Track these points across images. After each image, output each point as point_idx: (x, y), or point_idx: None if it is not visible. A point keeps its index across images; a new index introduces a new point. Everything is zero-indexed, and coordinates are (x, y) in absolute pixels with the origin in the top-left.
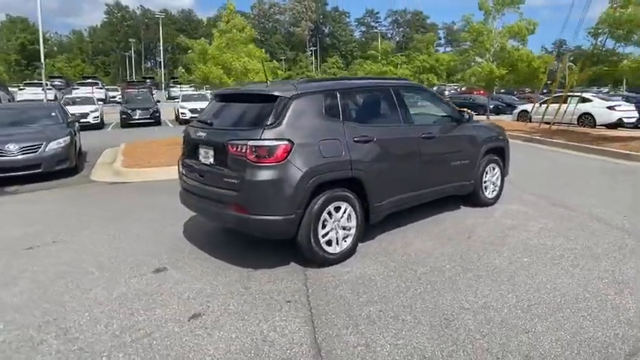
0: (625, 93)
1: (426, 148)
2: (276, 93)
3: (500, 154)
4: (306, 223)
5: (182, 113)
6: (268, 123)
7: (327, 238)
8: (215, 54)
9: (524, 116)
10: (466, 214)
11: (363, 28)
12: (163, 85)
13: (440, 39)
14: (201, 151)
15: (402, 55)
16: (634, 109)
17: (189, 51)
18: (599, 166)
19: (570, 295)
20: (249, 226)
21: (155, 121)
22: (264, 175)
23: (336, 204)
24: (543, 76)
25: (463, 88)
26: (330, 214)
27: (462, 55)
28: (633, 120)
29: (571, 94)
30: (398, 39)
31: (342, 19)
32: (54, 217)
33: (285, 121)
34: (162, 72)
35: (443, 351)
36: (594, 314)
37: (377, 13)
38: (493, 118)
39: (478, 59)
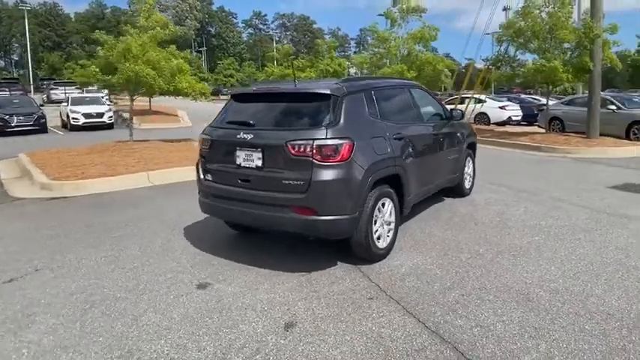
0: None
1: (435, 144)
2: (328, 91)
3: (473, 148)
4: (364, 221)
5: (74, 119)
6: (328, 122)
7: (377, 234)
8: (138, 53)
9: None
10: (454, 204)
11: (251, 30)
12: (32, 86)
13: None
14: (241, 154)
15: (302, 59)
16: (519, 108)
17: (99, 48)
18: (521, 157)
19: (597, 262)
20: (317, 228)
21: (41, 128)
22: (332, 174)
23: (383, 200)
24: (446, 78)
25: None
26: (379, 210)
27: (372, 58)
28: (519, 118)
29: (469, 96)
30: (286, 42)
31: (229, 19)
32: (15, 242)
33: (342, 120)
34: (30, 71)
35: (544, 320)
36: (625, 275)
37: (264, 15)
38: None
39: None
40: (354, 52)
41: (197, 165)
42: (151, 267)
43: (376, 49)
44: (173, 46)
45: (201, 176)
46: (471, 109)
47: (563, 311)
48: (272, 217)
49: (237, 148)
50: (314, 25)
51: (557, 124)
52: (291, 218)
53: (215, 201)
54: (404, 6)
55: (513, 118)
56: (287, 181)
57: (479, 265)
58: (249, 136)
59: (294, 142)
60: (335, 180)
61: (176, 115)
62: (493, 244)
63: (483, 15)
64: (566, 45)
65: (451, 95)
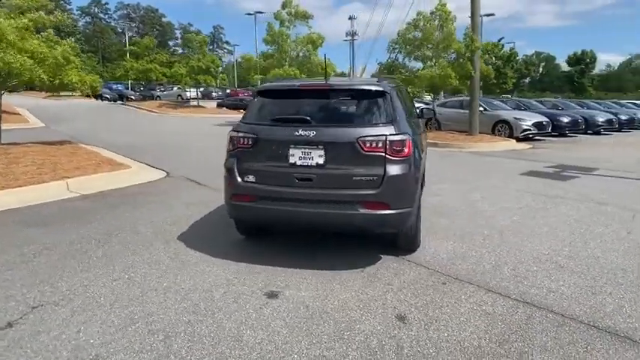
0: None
1: (421, 140)
2: (381, 88)
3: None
4: (415, 213)
5: None
6: (391, 118)
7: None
8: (13, 39)
9: None
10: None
11: (88, 19)
12: None
13: (177, 39)
14: (296, 152)
15: (166, 54)
16: None
17: None
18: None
19: (576, 231)
20: (388, 223)
21: None
22: (401, 169)
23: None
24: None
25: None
26: None
27: (268, 59)
28: None
29: None
30: (131, 34)
31: (61, 4)
32: None
33: (397, 116)
34: None
35: (587, 279)
36: (601, 236)
37: (105, 3)
38: None
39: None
40: (209, 50)
41: (226, 165)
42: (190, 282)
43: (268, 47)
44: (50, 31)
45: (238, 178)
46: None
47: (590, 272)
48: (338, 215)
49: (292, 146)
50: (163, 19)
51: (433, 124)
52: (362, 214)
53: (262, 204)
54: (292, 10)
55: None
56: (357, 178)
57: (498, 245)
58: (312, 134)
59: (366, 139)
60: (404, 174)
61: (18, 114)
62: (489, 226)
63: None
64: (452, 55)
65: None
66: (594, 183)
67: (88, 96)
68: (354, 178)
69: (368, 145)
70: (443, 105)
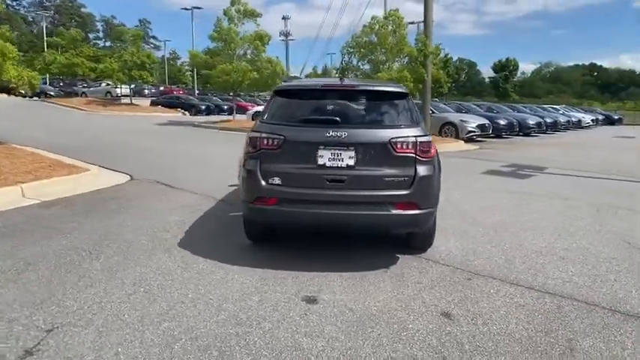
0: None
1: None
2: (403, 90)
3: None
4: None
5: None
6: (415, 119)
7: None
8: None
9: (258, 117)
10: None
11: None
12: None
13: (98, 32)
14: (326, 153)
15: (91, 47)
16: None
17: None
18: None
19: (561, 226)
20: (417, 222)
21: None
22: (429, 169)
23: None
24: (280, 81)
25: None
26: None
27: (214, 56)
28: None
29: None
30: (45, 25)
31: None
32: None
33: (419, 118)
34: None
35: (592, 269)
36: (583, 228)
37: None
38: (215, 117)
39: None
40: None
41: (247, 167)
42: (217, 292)
43: (215, 44)
44: None
45: (261, 181)
46: None
47: (588, 262)
48: (370, 217)
49: (321, 147)
50: (82, 10)
51: None
52: (394, 215)
53: (288, 206)
54: (241, 7)
55: None
56: (389, 178)
57: (498, 241)
58: (343, 134)
59: (398, 140)
60: (431, 175)
61: None
62: (480, 224)
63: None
64: (404, 60)
65: None
66: (551, 181)
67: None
68: (385, 179)
69: (399, 146)
70: None
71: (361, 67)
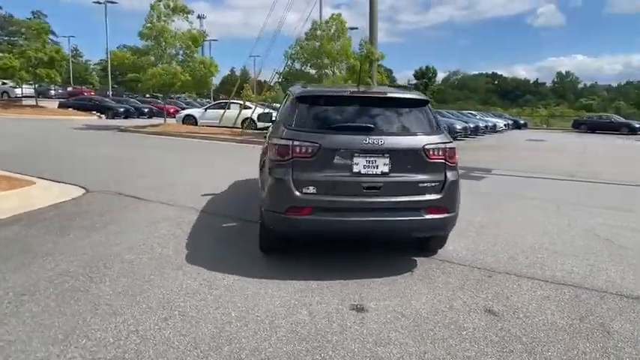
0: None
1: None
2: (424, 97)
3: None
4: None
5: None
6: (439, 126)
7: None
8: None
9: (189, 120)
10: None
11: None
12: None
13: None
14: (361, 160)
15: None
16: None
17: None
18: None
19: (543, 224)
20: (446, 226)
21: None
22: (455, 174)
23: None
24: (212, 83)
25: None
26: None
27: (143, 55)
28: None
29: (234, 101)
30: None
31: None
32: None
33: (440, 125)
34: None
35: (594, 261)
36: (558, 226)
37: None
38: (140, 121)
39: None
40: (26, 39)
41: (276, 176)
42: (261, 309)
43: (145, 42)
44: None
45: (294, 190)
46: (242, 114)
47: (579, 254)
48: (405, 222)
49: (356, 154)
50: None
51: None
52: (427, 220)
53: (325, 215)
54: (170, 3)
55: None
56: (423, 184)
57: (493, 240)
58: (380, 141)
59: (431, 146)
60: (457, 179)
61: None
62: (469, 224)
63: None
64: (347, 64)
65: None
66: (503, 182)
67: None
68: (419, 184)
69: (432, 152)
70: None
71: (304, 70)
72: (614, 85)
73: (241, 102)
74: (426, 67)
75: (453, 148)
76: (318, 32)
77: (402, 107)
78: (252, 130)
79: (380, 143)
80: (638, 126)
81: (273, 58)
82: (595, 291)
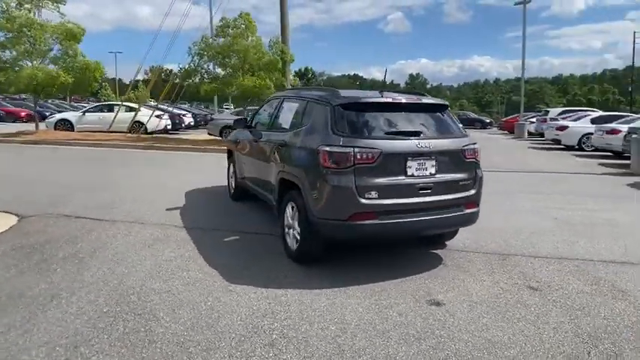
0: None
1: None
2: (446, 102)
3: None
4: None
5: None
6: (463, 128)
7: None
8: None
9: (64, 125)
10: None
11: None
12: None
13: None
14: (413, 163)
15: None
16: (167, 118)
17: None
18: None
19: (537, 206)
20: (475, 218)
21: None
22: (481, 172)
23: None
24: (96, 84)
25: None
26: None
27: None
28: (169, 127)
29: (119, 103)
30: None
31: None
32: None
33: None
34: None
35: (586, 243)
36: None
37: None
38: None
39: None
40: None
41: (338, 184)
42: (353, 318)
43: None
44: None
45: (358, 197)
46: (126, 117)
47: (565, 232)
48: (450, 218)
49: (409, 158)
50: None
51: (229, 132)
52: (466, 214)
53: (388, 219)
54: None
55: (168, 127)
56: (462, 182)
57: (483, 226)
58: (430, 145)
59: (467, 147)
60: (483, 176)
61: None
62: None
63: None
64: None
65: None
66: None
67: None
68: (459, 183)
69: (468, 153)
70: (237, 114)
71: (213, 70)
72: (455, 85)
73: (130, 104)
74: (305, 68)
75: (479, 149)
76: (230, 30)
77: (434, 112)
78: (148, 135)
79: (429, 146)
80: (488, 121)
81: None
82: (587, 261)
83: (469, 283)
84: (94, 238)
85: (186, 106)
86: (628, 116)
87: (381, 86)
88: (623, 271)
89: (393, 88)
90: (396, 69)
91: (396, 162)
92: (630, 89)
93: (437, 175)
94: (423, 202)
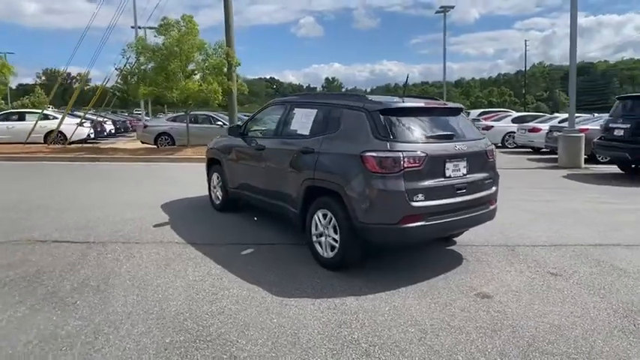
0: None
1: None
2: (462, 106)
3: None
4: None
5: None
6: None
7: None
8: None
9: None
10: None
11: None
12: None
13: None
14: (450, 165)
15: None
16: (90, 126)
17: None
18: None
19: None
20: (494, 215)
21: None
22: (497, 170)
23: None
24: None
25: None
26: None
27: None
28: (92, 135)
29: (33, 111)
30: None
31: None
32: None
33: None
34: None
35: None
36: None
37: None
38: None
39: None
40: None
41: (388, 188)
42: (426, 321)
43: None
44: None
45: (408, 200)
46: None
47: (556, 222)
48: (480, 215)
49: (447, 160)
50: None
51: (165, 139)
52: (490, 211)
53: (434, 220)
54: None
55: (91, 135)
56: (486, 181)
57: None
58: (464, 147)
59: (489, 148)
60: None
61: None
62: None
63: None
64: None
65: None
66: None
67: None
68: (485, 181)
69: (490, 153)
70: (174, 119)
71: (148, 71)
72: (368, 89)
73: (52, 112)
74: None
75: (495, 149)
76: (174, 32)
77: (455, 115)
78: (74, 145)
79: (464, 148)
80: None
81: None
82: (579, 246)
83: (499, 274)
84: (94, 263)
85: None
86: (542, 116)
87: (403, 91)
88: (612, 253)
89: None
90: (310, 72)
91: (437, 164)
92: (524, 92)
93: (468, 176)
94: (460, 202)
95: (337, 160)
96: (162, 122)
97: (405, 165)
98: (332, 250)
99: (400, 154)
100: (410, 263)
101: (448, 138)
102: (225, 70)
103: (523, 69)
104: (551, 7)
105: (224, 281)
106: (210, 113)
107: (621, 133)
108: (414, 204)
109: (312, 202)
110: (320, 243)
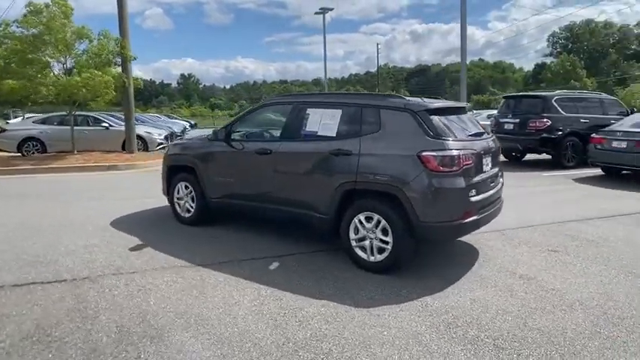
0: None
1: None
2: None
3: None
4: None
5: None
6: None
7: None
8: None
9: None
10: None
11: None
12: None
13: None
14: (485, 160)
15: None
16: None
17: None
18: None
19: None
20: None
21: None
22: None
23: None
24: None
25: None
26: None
27: None
28: None
29: None
30: None
31: None
32: None
33: None
34: None
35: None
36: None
37: None
38: None
39: None
40: None
41: (451, 186)
42: (489, 312)
43: None
44: None
45: (468, 196)
46: None
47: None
48: (500, 206)
49: (484, 155)
50: None
51: (34, 146)
52: (502, 202)
53: (480, 213)
54: None
55: None
56: (499, 175)
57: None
58: (492, 144)
59: (499, 144)
60: None
61: None
62: None
63: None
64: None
65: None
66: None
67: None
68: (499, 175)
69: (500, 149)
70: (44, 122)
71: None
72: (227, 86)
73: None
74: None
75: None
76: (44, 17)
77: (466, 114)
78: None
79: (491, 144)
80: None
81: None
82: (552, 224)
83: (517, 256)
84: (105, 305)
85: None
86: None
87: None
88: (574, 228)
89: (164, 88)
90: (160, 67)
91: (479, 160)
92: (377, 90)
93: (492, 170)
94: (492, 194)
95: (388, 162)
96: (28, 125)
97: (463, 162)
98: (380, 253)
99: (459, 152)
100: (437, 259)
101: (480, 135)
102: (118, 61)
103: (370, 70)
104: (391, 14)
105: (287, 301)
106: (91, 114)
107: (511, 127)
108: (472, 199)
109: (349, 206)
110: (363, 247)
